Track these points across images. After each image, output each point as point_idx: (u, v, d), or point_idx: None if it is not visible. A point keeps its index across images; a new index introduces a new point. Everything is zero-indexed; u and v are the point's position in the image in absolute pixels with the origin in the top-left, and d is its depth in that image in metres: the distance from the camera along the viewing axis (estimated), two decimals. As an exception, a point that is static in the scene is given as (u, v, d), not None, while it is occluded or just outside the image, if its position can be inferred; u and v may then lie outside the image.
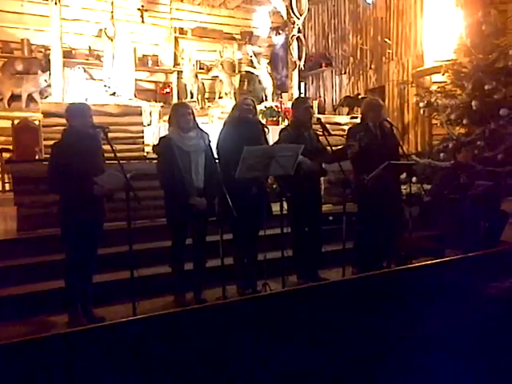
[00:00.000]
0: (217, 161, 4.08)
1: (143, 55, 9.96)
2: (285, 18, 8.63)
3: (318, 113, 8.64)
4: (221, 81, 9.83)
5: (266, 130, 4.35)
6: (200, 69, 10.20)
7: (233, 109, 4.29)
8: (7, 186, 7.24)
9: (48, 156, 3.83)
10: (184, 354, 1.61)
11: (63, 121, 3.76)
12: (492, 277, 2.29)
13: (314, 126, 4.55)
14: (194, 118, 4.02)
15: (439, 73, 7.22)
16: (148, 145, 7.17)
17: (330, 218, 5.18)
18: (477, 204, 5.18)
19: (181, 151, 3.84)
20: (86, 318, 3.63)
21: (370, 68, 9.83)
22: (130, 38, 9.18)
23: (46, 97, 8.24)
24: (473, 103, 6.22)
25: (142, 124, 7.22)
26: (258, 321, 1.76)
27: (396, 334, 1.98)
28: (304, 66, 8.70)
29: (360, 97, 9.37)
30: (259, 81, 9.82)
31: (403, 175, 5.10)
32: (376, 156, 4.33)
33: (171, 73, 10.21)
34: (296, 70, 8.49)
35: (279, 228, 4.00)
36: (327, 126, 4.47)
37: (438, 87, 7.08)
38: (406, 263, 4.16)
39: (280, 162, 3.76)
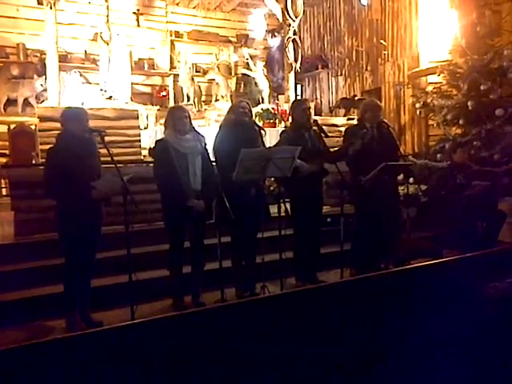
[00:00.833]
0: (213, 163, 4.08)
1: (139, 59, 9.96)
2: (280, 20, 8.64)
3: (315, 114, 8.63)
4: (217, 83, 9.84)
5: (262, 132, 4.35)
6: (196, 72, 10.21)
7: (228, 112, 4.28)
8: (4, 191, 7.22)
9: (44, 160, 3.82)
10: (183, 357, 1.60)
11: (59, 125, 3.75)
12: (490, 277, 2.30)
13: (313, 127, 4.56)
14: (191, 121, 4.02)
15: (435, 74, 7.24)
16: (145, 148, 7.16)
17: (328, 219, 5.18)
18: (474, 204, 5.19)
19: (178, 153, 3.84)
20: (84, 323, 3.62)
21: (366, 69, 9.86)
22: (125, 42, 9.18)
23: (42, 101, 8.22)
24: (469, 103, 6.23)
25: (138, 127, 7.22)
26: (256, 323, 1.76)
27: (395, 335, 1.98)
28: (300, 68, 8.71)
29: (356, 98, 9.39)
30: (255, 83, 9.83)
31: (400, 176, 5.11)
32: (373, 157, 4.34)
33: (167, 76, 10.21)
34: (292, 72, 8.50)
35: (277, 230, 4.00)
36: (324, 127, 4.49)
37: (434, 88, 7.09)
38: (404, 264, 4.17)
39: (277, 164, 3.76)
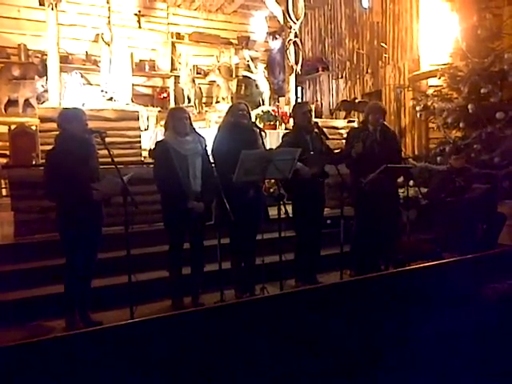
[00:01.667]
0: (213, 165, 4.08)
1: (140, 60, 9.97)
2: (281, 22, 8.65)
3: (315, 117, 8.64)
4: (218, 85, 9.85)
5: (263, 134, 4.35)
6: (197, 73, 10.23)
7: (227, 114, 4.26)
8: (4, 192, 7.23)
9: (44, 162, 3.82)
10: (182, 356, 1.60)
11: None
12: (489, 279, 2.30)
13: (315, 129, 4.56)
14: (191, 122, 4.03)
15: (435, 77, 7.25)
16: (145, 149, 7.17)
17: (328, 221, 5.18)
18: (474, 207, 5.19)
19: (178, 155, 3.84)
20: (83, 323, 3.62)
21: (367, 72, 9.87)
22: (126, 43, 9.20)
23: (43, 102, 8.23)
24: (469, 107, 6.24)
25: (139, 129, 7.22)
26: (255, 323, 1.76)
27: (394, 336, 1.98)
28: (301, 70, 8.72)
29: (357, 101, 9.41)
30: (256, 85, 9.84)
31: (400, 179, 5.11)
32: (374, 159, 4.35)
33: (168, 78, 10.22)
34: (293, 75, 8.51)
35: (277, 232, 4.00)
36: (324, 130, 4.49)
37: (435, 91, 7.10)
38: (404, 266, 4.17)
39: (277, 165, 3.76)
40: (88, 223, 3.55)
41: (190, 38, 10.50)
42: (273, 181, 4.95)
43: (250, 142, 4.05)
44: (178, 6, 10.53)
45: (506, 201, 5.72)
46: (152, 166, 4.23)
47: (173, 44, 10.29)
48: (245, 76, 10.25)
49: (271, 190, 5.54)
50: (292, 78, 8.56)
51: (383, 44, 9.27)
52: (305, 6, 8.47)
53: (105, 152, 3.49)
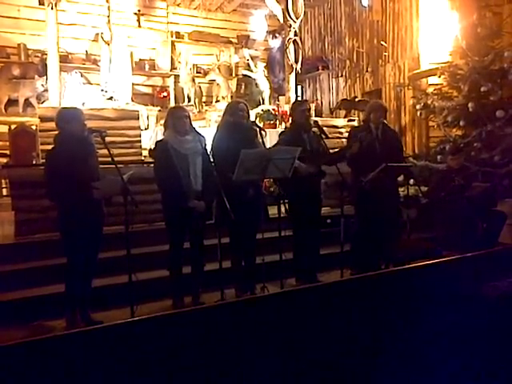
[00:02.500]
0: (213, 164, 4.08)
1: (140, 59, 9.97)
2: (281, 21, 8.64)
3: (315, 116, 8.65)
4: (218, 84, 9.84)
5: (263, 133, 4.35)
6: (197, 72, 10.22)
7: (225, 113, 4.25)
8: (4, 191, 7.23)
9: (44, 162, 3.82)
10: (183, 355, 1.60)
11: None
12: (490, 277, 2.30)
13: (313, 128, 4.56)
14: (191, 121, 4.02)
15: (435, 75, 7.24)
16: (145, 149, 7.17)
17: (328, 220, 5.19)
18: (474, 205, 5.19)
19: (178, 154, 3.84)
20: (84, 322, 3.62)
21: (367, 71, 9.86)
22: (126, 42, 9.19)
23: (43, 101, 8.23)
24: (469, 105, 6.24)
25: (139, 128, 7.22)
26: (256, 322, 1.76)
27: (394, 334, 1.98)
28: (301, 69, 8.71)
29: (357, 100, 9.40)
30: (256, 84, 9.83)
31: (401, 177, 5.11)
32: (375, 158, 4.35)
33: (168, 77, 10.22)
34: (293, 73, 8.50)
35: (277, 231, 4.00)
36: (324, 128, 4.49)
37: (435, 89, 7.10)
38: (404, 265, 4.16)
39: (277, 164, 3.76)
40: (89, 222, 3.55)
41: (189, 36, 10.49)
42: (271, 179, 4.94)
43: (250, 141, 4.05)
44: (178, 5, 10.53)
45: (507, 199, 5.72)
46: (152, 165, 4.23)
47: (172, 43, 10.28)
48: (245, 75, 10.24)
49: (271, 189, 5.53)
50: (292, 77, 8.55)
51: (383, 42, 9.26)
52: (304, 4, 8.45)
53: (105, 151, 3.50)
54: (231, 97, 9.59)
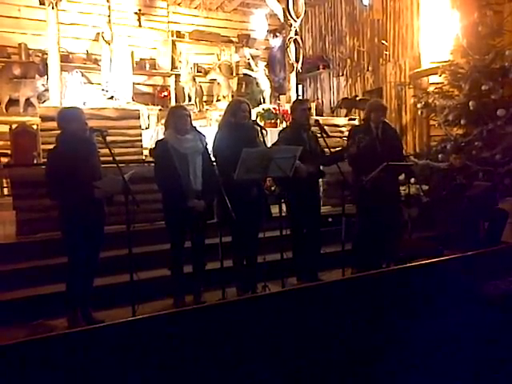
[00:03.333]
0: (214, 163, 4.08)
1: (141, 59, 9.97)
2: (282, 20, 8.63)
3: (316, 115, 8.65)
4: (218, 84, 9.84)
5: (264, 132, 4.35)
6: (198, 72, 10.22)
7: (226, 112, 4.24)
8: (5, 191, 7.24)
9: (45, 161, 3.82)
10: (184, 353, 1.61)
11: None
12: (491, 276, 2.30)
13: (312, 128, 4.56)
14: (191, 120, 4.02)
15: (436, 74, 7.24)
16: (146, 148, 7.17)
17: (330, 219, 5.19)
18: (475, 204, 5.19)
19: (178, 154, 3.84)
20: (85, 322, 3.62)
21: (368, 70, 9.85)
22: (127, 42, 9.19)
23: (44, 101, 8.23)
24: (470, 104, 6.23)
25: (140, 127, 7.22)
26: (257, 321, 1.76)
27: (396, 332, 1.98)
28: (301, 68, 8.71)
29: (358, 99, 9.39)
30: (257, 83, 9.82)
31: (402, 176, 5.11)
32: (376, 157, 4.34)
33: (169, 76, 10.22)
34: (293, 73, 8.50)
35: (278, 230, 4.00)
36: (325, 127, 4.49)
37: (436, 88, 7.09)
38: (405, 264, 4.16)
39: (278, 163, 3.76)
40: (90, 222, 3.56)
41: (190, 36, 10.50)
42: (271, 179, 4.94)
43: (251, 140, 4.05)
44: (179, 5, 10.53)
45: (508, 198, 5.71)
46: (153, 164, 4.23)
47: (173, 42, 10.28)
48: (245, 74, 10.23)
49: (272, 189, 5.53)
50: (293, 76, 8.55)
51: (384, 41, 9.25)
52: (305, 3, 8.45)
53: (106, 151, 3.50)
54: (232, 96, 9.59)
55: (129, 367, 1.52)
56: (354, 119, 8.63)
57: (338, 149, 4.94)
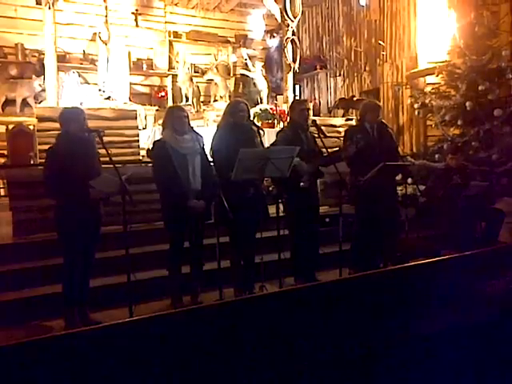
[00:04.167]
0: (212, 164, 4.08)
1: (138, 59, 9.94)
2: (279, 20, 8.63)
3: (313, 115, 8.64)
4: (216, 84, 9.82)
5: (261, 132, 4.35)
6: (195, 72, 10.20)
7: (225, 112, 4.25)
8: (2, 191, 7.21)
9: (43, 161, 3.82)
10: (182, 354, 1.60)
11: (58, 125, 3.74)
12: (489, 275, 2.30)
13: (310, 129, 4.56)
14: (189, 121, 4.02)
15: (433, 74, 7.26)
16: (143, 148, 7.15)
17: (327, 219, 5.19)
18: (472, 204, 5.20)
19: (177, 154, 3.84)
20: (82, 322, 3.61)
21: (365, 70, 9.86)
22: (124, 42, 9.17)
23: (41, 101, 8.20)
24: (467, 104, 6.25)
25: (137, 128, 7.21)
26: (255, 321, 1.76)
27: (393, 333, 1.98)
28: (299, 68, 8.71)
29: (355, 99, 9.40)
30: (254, 83, 9.82)
31: (399, 176, 5.11)
32: (372, 157, 4.35)
33: (166, 76, 10.20)
34: (291, 73, 8.50)
35: (276, 230, 4.00)
36: (322, 128, 4.49)
37: (432, 88, 7.10)
38: (403, 264, 4.17)
39: (276, 164, 3.76)
40: (86, 222, 3.55)
41: (187, 36, 10.48)
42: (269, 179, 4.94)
43: (249, 140, 4.05)
44: (176, 5, 10.50)
45: (505, 198, 5.73)
46: (150, 165, 4.22)
47: (170, 43, 10.26)
48: (242, 74, 10.22)
49: (270, 189, 5.53)
50: (290, 76, 8.55)
51: (381, 42, 9.27)
52: (302, 3, 8.44)
53: (103, 151, 3.49)
54: (229, 96, 9.58)
55: (126, 368, 1.51)
56: (351, 119, 8.63)
57: (335, 149, 4.94)
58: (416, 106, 7.25)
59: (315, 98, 11.01)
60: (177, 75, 9.80)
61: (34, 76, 8.52)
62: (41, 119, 6.28)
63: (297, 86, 9.57)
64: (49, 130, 5.75)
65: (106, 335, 1.55)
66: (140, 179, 4.30)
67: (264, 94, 9.42)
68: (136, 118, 7.25)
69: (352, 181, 4.51)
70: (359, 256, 4.57)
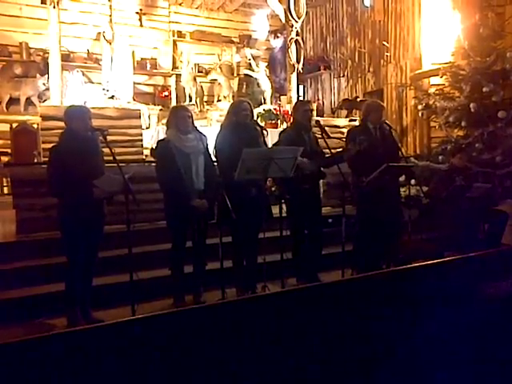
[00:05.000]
0: (215, 163, 4.08)
1: (142, 58, 9.97)
2: (283, 21, 8.63)
3: (317, 115, 8.64)
4: (219, 84, 9.84)
5: (264, 132, 4.35)
6: (198, 72, 10.21)
7: (229, 112, 4.25)
8: (6, 190, 7.24)
9: (47, 159, 3.83)
10: (183, 354, 1.60)
11: (62, 124, 3.75)
12: (492, 277, 2.29)
13: (313, 129, 4.56)
14: (193, 120, 4.03)
15: (437, 75, 7.24)
16: (146, 148, 7.16)
17: (330, 220, 5.18)
18: (475, 206, 5.19)
19: (181, 153, 3.84)
20: (85, 321, 3.62)
21: (369, 71, 9.85)
22: (128, 42, 9.19)
23: (45, 100, 8.23)
24: (471, 105, 6.23)
25: (140, 127, 7.21)
26: (255, 321, 1.76)
27: (396, 334, 1.98)
28: (302, 68, 8.70)
29: (358, 100, 9.39)
30: (258, 84, 9.83)
31: (402, 178, 5.10)
32: (375, 158, 4.33)
33: (170, 76, 10.21)
34: (294, 73, 8.49)
35: (278, 230, 4.00)
36: (326, 128, 4.48)
37: (436, 90, 7.09)
38: (405, 265, 4.16)
39: (279, 164, 3.76)
40: (90, 221, 3.55)
41: (191, 36, 10.49)
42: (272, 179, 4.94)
43: (253, 140, 4.05)
44: (180, 5, 10.52)
45: (508, 200, 5.71)
46: (154, 164, 4.23)
47: (174, 42, 10.28)
48: (246, 74, 10.23)
49: (273, 189, 5.53)
50: (293, 77, 8.54)
51: (385, 43, 9.26)
52: (306, 4, 8.45)
53: (106, 150, 3.50)
54: (233, 96, 9.59)
55: (128, 366, 1.52)
56: (355, 120, 8.62)
57: (338, 150, 4.93)
58: (420, 107, 7.23)
59: (319, 99, 11.01)
60: (180, 75, 9.81)
61: (38, 75, 8.55)
62: (45, 118, 6.29)
63: (300, 87, 9.57)
64: (53, 129, 5.76)
65: (108, 333, 1.55)
66: (143, 178, 4.31)
67: (267, 94, 9.43)
68: (139, 118, 7.25)
69: (355, 181, 4.50)
70: (362, 257, 4.56)
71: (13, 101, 8.69)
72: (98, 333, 1.55)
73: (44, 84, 8.39)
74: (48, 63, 7.31)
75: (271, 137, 5.98)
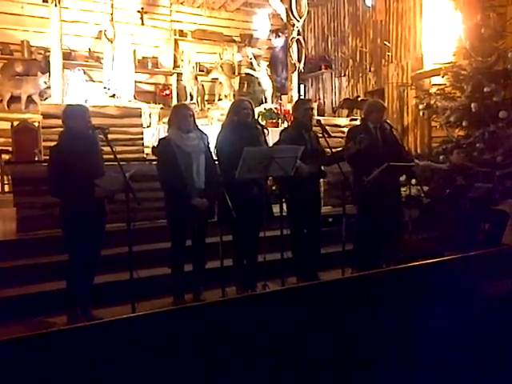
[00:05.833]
0: (216, 162, 4.08)
1: (143, 57, 9.97)
2: (284, 20, 8.62)
3: (318, 115, 8.63)
4: (220, 83, 9.84)
5: (265, 131, 4.35)
6: (200, 71, 10.21)
7: (230, 111, 4.25)
8: (6, 188, 7.24)
9: (47, 157, 3.83)
10: (183, 352, 1.60)
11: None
12: (492, 277, 2.29)
13: (314, 128, 4.56)
14: (194, 119, 4.03)
15: (439, 75, 7.24)
16: (147, 146, 7.17)
17: (330, 219, 5.18)
18: (476, 206, 5.19)
19: (182, 152, 3.84)
20: (85, 319, 3.62)
21: (370, 70, 9.85)
22: (129, 40, 9.19)
23: (46, 98, 8.23)
24: (472, 105, 6.23)
25: (141, 126, 7.22)
26: (255, 319, 1.76)
27: (396, 333, 1.98)
28: (303, 68, 8.69)
29: (359, 99, 9.39)
30: (259, 83, 9.82)
31: (403, 177, 5.10)
32: (376, 157, 4.33)
33: (171, 75, 10.21)
34: (295, 73, 8.49)
35: (279, 229, 4.00)
36: (327, 127, 4.48)
37: (438, 89, 7.09)
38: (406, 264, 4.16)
39: (280, 163, 3.76)
40: (91, 220, 3.56)
41: (192, 35, 10.48)
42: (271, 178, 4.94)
43: (253, 139, 4.05)
44: (181, 4, 10.52)
45: (508, 200, 5.71)
46: (154, 163, 4.23)
47: (175, 41, 10.27)
48: (247, 74, 10.23)
49: (273, 188, 5.53)
50: (295, 76, 8.54)
51: (386, 42, 9.25)
52: (308, 3, 8.43)
53: (107, 149, 3.50)
54: (234, 95, 9.59)
55: (128, 364, 1.52)
56: (356, 119, 8.62)
57: (339, 149, 4.93)
58: (421, 106, 7.24)
59: (320, 98, 11.01)
60: (182, 74, 9.81)
61: (39, 73, 8.55)
62: (46, 116, 6.30)
63: (301, 86, 9.56)
64: (53, 127, 5.76)
65: (108, 331, 1.55)
66: (144, 177, 4.31)
67: (269, 93, 9.42)
68: (140, 116, 7.26)
69: (356, 181, 4.50)
70: (362, 256, 4.56)
71: (14, 99, 8.69)
72: (98, 330, 1.55)
73: (45, 82, 8.38)
74: (49, 61, 7.32)
75: (272, 136, 5.97)
